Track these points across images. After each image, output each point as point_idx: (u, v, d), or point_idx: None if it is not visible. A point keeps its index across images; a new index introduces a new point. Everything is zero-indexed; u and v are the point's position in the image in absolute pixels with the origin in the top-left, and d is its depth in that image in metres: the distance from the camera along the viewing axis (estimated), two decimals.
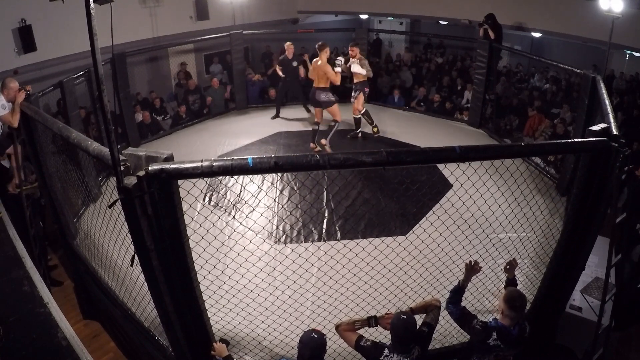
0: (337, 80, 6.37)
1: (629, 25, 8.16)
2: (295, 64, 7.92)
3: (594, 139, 2.75)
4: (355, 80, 7.01)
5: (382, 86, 10.09)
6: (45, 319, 3.12)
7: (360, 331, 2.78)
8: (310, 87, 6.68)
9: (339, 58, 6.53)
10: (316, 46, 6.42)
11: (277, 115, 8.31)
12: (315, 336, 2.50)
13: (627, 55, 10.50)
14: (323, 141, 6.57)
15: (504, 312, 2.61)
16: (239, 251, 3.17)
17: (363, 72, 6.79)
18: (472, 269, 2.87)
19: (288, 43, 7.89)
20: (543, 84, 10.17)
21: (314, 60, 6.52)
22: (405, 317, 2.57)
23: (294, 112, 8.45)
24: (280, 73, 7.99)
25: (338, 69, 6.37)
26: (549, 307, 3.37)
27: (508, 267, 2.99)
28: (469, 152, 2.43)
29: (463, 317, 2.72)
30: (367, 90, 7.03)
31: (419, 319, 2.82)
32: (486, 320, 2.69)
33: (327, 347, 2.61)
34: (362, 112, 7.15)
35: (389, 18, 13.81)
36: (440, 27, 12.84)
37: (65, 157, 4.63)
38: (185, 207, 2.45)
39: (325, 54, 6.31)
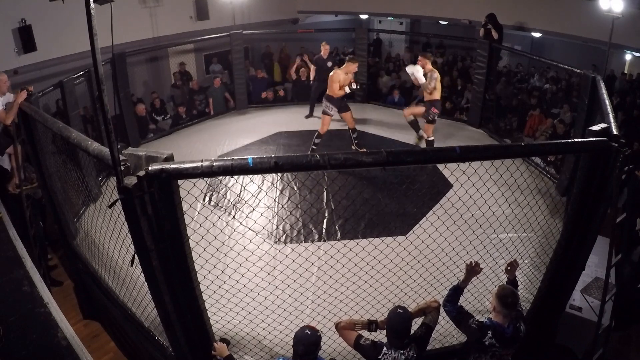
0: (337, 94, 6.15)
1: (629, 25, 8.17)
2: (330, 64, 7.81)
3: (594, 139, 2.75)
4: (425, 98, 6.27)
5: (382, 86, 10.10)
6: (45, 319, 3.12)
7: (360, 331, 2.78)
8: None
9: (353, 84, 6.16)
10: (347, 58, 6.37)
11: (310, 115, 8.23)
12: (309, 332, 2.51)
13: (629, 56, 10.51)
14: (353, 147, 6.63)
15: (496, 309, 2.62)
16: (239, 251, 3.17)
17: (421, 79, 6.06)
18: (472, 270, 2.87)
19: (323, 43, 7.83)
20: (543, 84, 10.18)
21: (336, 68, 6.40)
22: (401, 310, 2.60)
23: (295, 112, 8.46)
24: (314, 73, 7.93)
25: (347, 90, 6.15)
26: (549, 307, 3.37)
27: (509, 268, 3.00)
28: (469, 152, 2.43)
29: (459, 316, 2.72)
30: (434, 111, 6.11)
31: (419, 320, 2.82)
32: (482, 319, 2.70)
33: (327, 346, 2.62)
34: (430, 138, 6.34)
35: (389, 18, 13.81)
36: (440, 27, 12.85)
37: (65, 157, 4.63)
38: (185, 207, 2.45)
39: (347, 68, 6.09)
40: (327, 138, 7.28)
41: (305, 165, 2.28)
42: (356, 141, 6.67)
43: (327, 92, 6.25)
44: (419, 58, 6.23)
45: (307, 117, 8.24)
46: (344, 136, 7.42)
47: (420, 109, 6.35)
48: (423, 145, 6.44)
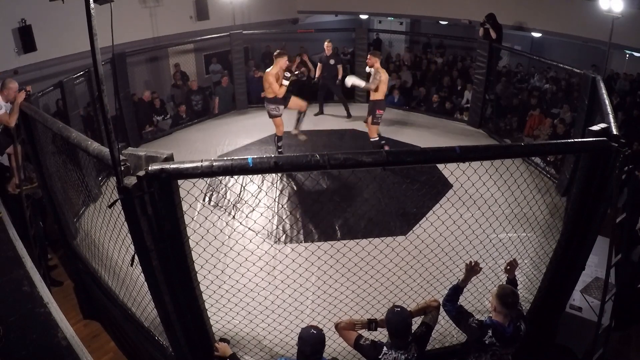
0: (279, 93, 5.93)
1: (629, 25, 8.17)
2: (332, 61, 7.87)
3: (594, 139, 2.75)
4: (370, 97, 6.23)
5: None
6: (45, 319, 3.12)
7: (360, 331, 2.78)
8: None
9: (286, 73, 5.92)
10: (274, 53, 6.01)
11: (320, 112, 8.33)
12: (315, 332, 2.50)
13: (627, 56, 10.51)
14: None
15: (496, 309, 2.63)
16: (239, 251, 3.17)
17: (360, 84, 6.19)
18: (472, 269, 2.87)
19: (326, 41, 7.84)
20: (543, 84, 10.18)
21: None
22: (399, 309, 2.59)
23: (295, 112, 8.45)
24: (319, 72, 7.97)
25: (285, 83, 5.89)
26: (549, 307, 3.37)
27: (508, 267, 3.00)
28: (469, 152, 2.43)
29: (459, 316, 2.73)
30: (379, 113, 6.10)
31: (419, 319, 2.82)
32: (482, 318, 2.70)
33: (327, 346, 2.62)
34: (374, 139, 6.35)
35: (389, 18, 13.81)
36: (440, 27, 12.84)
37: (65, 157, 4.63)
38: (185, 207, 2.45)
39: (278, 64, 5.88)
40: (326, 138, 7.31)
41: (305, 165, 2.28)
42: (279, 147, 6.45)
43: (268, 95, 6.02)
44: (368, 56, 6.20)
45: (316, 115, 8.27)
46: (343, 136, 7.44)
47: (370, 119, 6.23)
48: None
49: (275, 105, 6.05)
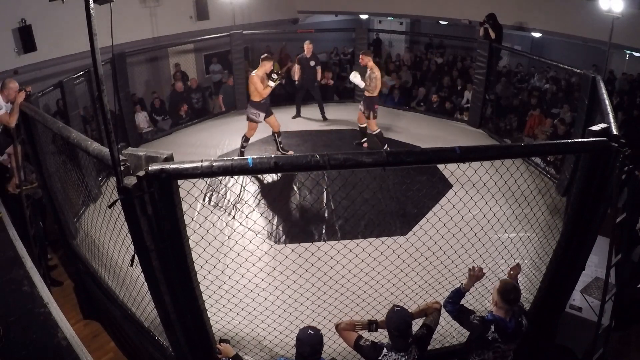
0: (264, 94, 6.01)
1: (629, 25, 8.16)
2: (312, 63, 7.82)
3: (594, 139, 2.75)
4: (366, 94, 6.45)
5: (382, 86, 10.08)
6: (45, 319, 3.12)
7: (360, 332, 2.78)
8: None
9: (274, 74, 6.02)
10: (261, 57, 6.09)
11: (297, 115, 8.26)
12: (312, 332, 2.49)
13: (627, 56, 10.51)
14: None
15: (497, 304, 2.63)
16: (239, 251, 3.17)
17: (360, 84, 6.32)
18: (475, 275, 2.86)
19: (307, 42, 7.78)
20: (543, 84, 10.18)
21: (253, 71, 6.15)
22: (398, 308, 2.59)
23: (294, 112, 8.45)
24: (298, 73, 7.92)
25: (271, 84, 5.97)
26: (549, 307, 3.37)
27: (511, 272, 2.99)
28: (469, 152, 2.43)
29: (461, 315, 2.73)
30: (376, 108, 6.38)
31: (420, 321, 2.82)
32: (483, 315, 2.70)
33: (327, 346, 2.62)
34: (362, 125, 6.71)
35: (389, 18, 13.81)
36: (440, 27, 12.85)
37: (65, 157, 4.63)
38: (185, 207, 2.45)
39: (263, 67, 5.98)
40: (326, 138, 7.31)
41: (305, 166, 2.28)
42: (281, 145, 6.63)
43: (251, 98, 6.09)
44: (360, 56, 6.40)
45: (294, 117, 8.23)
46: (344, 136, 7.44)
47: (371, 114, 6.44)
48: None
49: (257, 111, 6.15)
